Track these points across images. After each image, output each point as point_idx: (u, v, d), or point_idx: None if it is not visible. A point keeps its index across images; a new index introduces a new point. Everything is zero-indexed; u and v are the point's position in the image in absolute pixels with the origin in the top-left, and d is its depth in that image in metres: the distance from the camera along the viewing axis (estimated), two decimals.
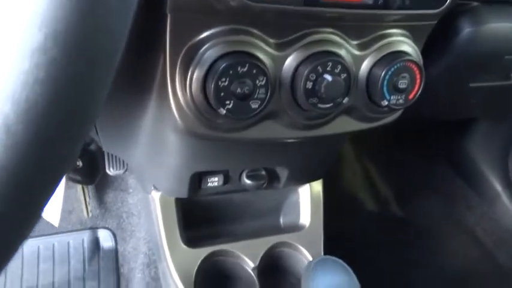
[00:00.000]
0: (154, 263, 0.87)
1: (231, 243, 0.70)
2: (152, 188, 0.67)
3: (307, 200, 0.74)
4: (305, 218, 0.74)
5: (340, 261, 0.42)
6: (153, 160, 0.60)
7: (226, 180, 0.62)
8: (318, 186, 0.74)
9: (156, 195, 0.66)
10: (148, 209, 0.71)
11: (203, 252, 0.67)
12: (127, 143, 0.63)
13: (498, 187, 1.20)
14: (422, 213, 1.26)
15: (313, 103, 0.45)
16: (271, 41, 0.43)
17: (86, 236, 1.02)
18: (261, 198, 0.76)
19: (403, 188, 1.30)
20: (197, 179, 0.60)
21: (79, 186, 1.05)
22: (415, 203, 1.28)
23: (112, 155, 0.99)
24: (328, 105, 0.45)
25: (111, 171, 1.05)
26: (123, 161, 1.05)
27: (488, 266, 1.19)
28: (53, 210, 0.36)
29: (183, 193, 0.62)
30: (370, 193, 1.28)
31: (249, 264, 0.69)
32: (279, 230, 0.76)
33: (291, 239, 0.72)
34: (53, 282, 0.94)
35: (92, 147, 0.35)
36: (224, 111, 0.41)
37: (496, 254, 1.20)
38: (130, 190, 1.09)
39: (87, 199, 0.44)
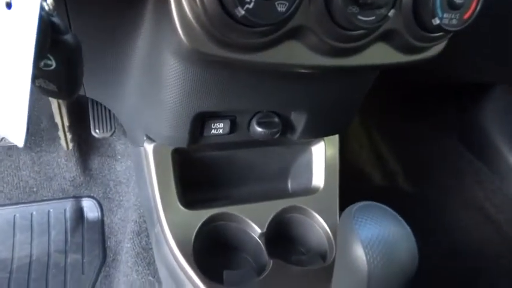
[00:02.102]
0: (145, 232, 0.77)
1: (234, 205, 0.60)
2: (145, 138, 0.57)
3: (321, 161, 0.65)
4: (318, 180, 0.65)
5: (387, 207, 0.33)
6: (147, 99, 0.50)
7: (233, 127, 0.53)
8: (334, 145, 0.65)
9: (149, 147, 0.56)
10: (139, 167, 0.62)
11: (203, 215, 0.58)
12: (116, 81, 0.53)
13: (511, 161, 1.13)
14: (430, 188, 1.19)
15: (352, 13, 0.35)
16: None
17: (68, 206, 0.92)
18: (269, 158, 0.66)
19: (411, 162, 1.22)
20: (199, 124, 0.51)
21: (61, 150, 0.95)
22: (423, 177, 1.21)
23: (97, 114, 0.89)
24: (370, 18, 0.36)
25: (97, 133, 0.95)
26: (111, 122, 0.95)
27: (499, 242, 1.12)
28: (15, 127, 0.28)
29: (183, 141, 0.52)
30: (378, 166, 1.20)
31: (256, 230, 0.60)
32: (288, 193, 0.67)
33: (302, 203, 0.63)
34: (31, 255, 0.84)
35: (69, 38, 0.25)
36: (242, 12, 0.32)
37: (508, 231, 1.13)
38: (119, 156, 0.98)
39: (64, 121, 0.34)
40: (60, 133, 0.37)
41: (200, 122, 0.50)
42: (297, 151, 0.66)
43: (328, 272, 0.55)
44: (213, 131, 0.52)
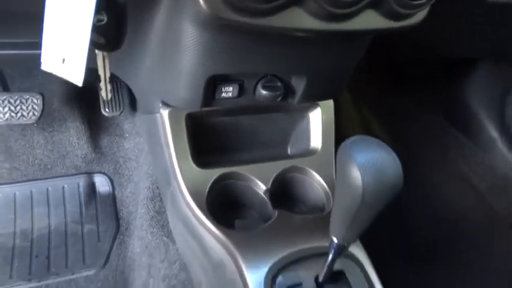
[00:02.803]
0: (158, 197, 0.84)
1: (241, 166, 0.67)
2: (160, 105, 0.63)
3: (318, 124, 0.72)
4: (316, 142, 0.72)
5: (376, 139, 0.40)
6: (166, 66, 0.57)
7: (241, 91, 0.60)
8: (329, 111, 0.72)
9: (165, 113, 0.63)
10: (155, 133, 0.68)
11: (214, 173, 0.65)
12: (134, 53, 0.59)
13: (494, 133, 1.21)
14: (417, 161, 1.26)
15: None
16: None
17: (81, 181, 0.98)
18: (271, 124, 0.73)
19: (398, 136, 1.29)
20: (212, 87, 0.57)
21: (72, 130, 1.01)
22: (410, 151, 1.28)
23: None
24: None
25: (106, 112, 1.01)
26: (119, 102, 1.01)
27: (483, 212, 1.20)
28: (76, 69, 0.34)
29: (197, 104, 0.59)
30: None
31: (261, 187, 0.67)
32: (289, 156, 0.74)
33: (302, 163, 0.70)
34: (49, 225, 0.90)
35: None
36: None
37: (491, 201, 1.21)
38: (126, 135, 1.05)
39: (107, 73, 0.39)
40: (102, 84, 0.41)
41: (212, 85, 0.57)
42: (296, 117, 0.73)
43: (326, 219, 0.63)
44: (223, 94, 0.59)
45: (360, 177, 0.38)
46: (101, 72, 0.42)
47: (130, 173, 1.00)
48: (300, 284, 0.53)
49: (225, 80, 0.58)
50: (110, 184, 0.99)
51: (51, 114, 1.01)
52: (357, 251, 0.58)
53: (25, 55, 0.61)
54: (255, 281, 0.53)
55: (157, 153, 0.71)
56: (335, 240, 0.46)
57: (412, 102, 1.29)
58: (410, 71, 1.25)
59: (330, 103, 0.72)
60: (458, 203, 1.22)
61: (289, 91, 0.62)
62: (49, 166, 0.98)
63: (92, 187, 0.98)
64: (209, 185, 0.64)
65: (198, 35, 0.50)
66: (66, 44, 0.35)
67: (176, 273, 0.76)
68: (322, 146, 0.72)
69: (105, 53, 0.41)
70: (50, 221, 0.91)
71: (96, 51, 0.40)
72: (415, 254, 1.03)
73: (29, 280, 0.81)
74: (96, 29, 0.34)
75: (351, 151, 0.39)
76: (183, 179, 0.63)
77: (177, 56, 0.53)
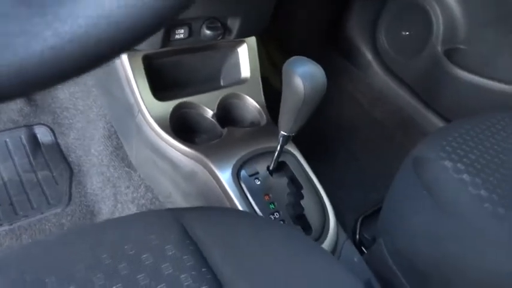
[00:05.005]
0: (114, 134, 0.94)
1: (191, 96, 0.82)
2: None
3: (245, 58, 0.89)
4: (246, 72, 0.90)
5: (308, 58, 0.59)
6: None
7: (190, 33, 0.73)
8: (253, 46, 0.89)
9: (124, 56, 0.74)
10: (113, 75, 0.78)
11: (171, 104, 0.79)
12: None
13: (369, 56, 1.50)
14: None
15: None
16: None
17: (22, 134, 1.02)
18: (209, 61, 0.88)
19: None
20: (167, 31, 0.70)
21: None
22: None
23: None
24: None
25: None
26: None
27: (365, 119, 1.52)
28: None
29: (157, 45, 0.71)
30: (273, 72, 1.48)
31: (208, 112, 0.83)
32: (227, 85, 0.90)
33: (237, 90, 0.88)
34: (2, 177, 0.95)
35: None
36: None
37: (370, 110, 1.53)
38: (59, 86, 1.09)
39: None
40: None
41: (167, 29, 0.70)
42: (227, 54, 0.89)
43: (263, 130, 0.82)
44: (177, 36, 0.72)
45: (301, 84, 0.57)
46: None
47: (71, 121, 1.06)
48: (258, 173, 0.72)
49: (177, 24, 0.71)
50: (51, 134, 1.05)
51: None
52: (293, 148, 0.79)
53: None
54: (225, 177, 0.71)
55: (115, 93, 0.82)
56: (283, 132, 0.65)
57: (311, 40, 1.52)
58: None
59: (253, 39, 0.89)
60: (347, 113, 1.53)
61: (227, 30, 0.77)
62: None
63: (34, 138, 1.03)
64: (169, 113, 0.78)
65: None
66: None
67: (143, 194, 0.90)
68: (250, 75, 0.89)
69: None
70: (2, 174, 0.96)
71: None
72: (319, 149, 1.32)
73: (1, 225, 0.88)
74: None
75: (294, 67, 0.57)
76: (148, 111, 0.76)
77: None
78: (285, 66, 0.59)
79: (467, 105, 1.28)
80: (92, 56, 0.23)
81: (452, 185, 0.68)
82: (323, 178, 0.82)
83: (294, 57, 0.59)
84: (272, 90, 1.47)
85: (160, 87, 0.80)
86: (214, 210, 0.58)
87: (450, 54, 1.30)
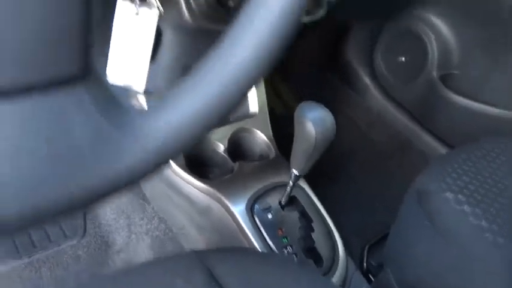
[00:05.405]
0: None
1: None
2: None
3: (253, 93, 0.94)
4: (254, 107, 0.94)
5: (317, 103, 0.63)
6: None
7: None
8: (260, 83, 0.94)
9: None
10: None
11: None
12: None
13: (367, 80, 1.56)
14: None
15: None
16: None
17: None
18: None
19: (303, 97, 1.57)
20: (184, 73, 0.74)
21: None
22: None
23: None
24: None
25: None
26: None
27: (363, 141, 1.57)
28: (138, 81, 0.47)
29: None
30: (278, 102, 1.53)
31: (220, 147, 0.87)
32: (236, 120, 0.95)
33: (246, 124, 0.92)
34: None
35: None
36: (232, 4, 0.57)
37: (368, 133, 1.58)
38: None
39: None
40: None
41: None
42: None
43: (272, 163, 0.87)
44: None
45: (313, 130, 0.61)
46: None
47: None
48: (270, 207, 0.76)
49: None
50: None
51: None
52: (302, 181, 0.83)
53: None
54: (239, 212, 0.75)
55: None
56: (295, 172, 0.69)
57: (311, 64, 1.57)
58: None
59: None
60: (345, 136, 1.58)
61: None
62: None
63: None
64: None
65: (176, 35, 0.66)
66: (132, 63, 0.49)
67: (156, 225, 0.93)
68: (259, 110, 0.94)
69: None
70: None
71: None
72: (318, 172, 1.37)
73: (20, 258, 0.91)
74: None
75: (305, 113, 0.62)
76: None
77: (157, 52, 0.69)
78: (297, 112, 0.63)
79: (463, 129, 1.33)
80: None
81: (454, 216, 0.72)
82: (323, 202, 0.85)
83: (305, 102, 0.64)
84: (274, 117, 1.52)
85: None
86: (237, 251, 0.61)
87: (445, 79, 1.35)
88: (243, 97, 0.27)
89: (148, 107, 0.25)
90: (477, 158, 0.84)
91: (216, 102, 0.26)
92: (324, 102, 1.57)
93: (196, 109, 0.25)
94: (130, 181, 0.25)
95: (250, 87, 0.27)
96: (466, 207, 0.73)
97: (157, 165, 0.26)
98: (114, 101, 0.24)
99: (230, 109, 0.26)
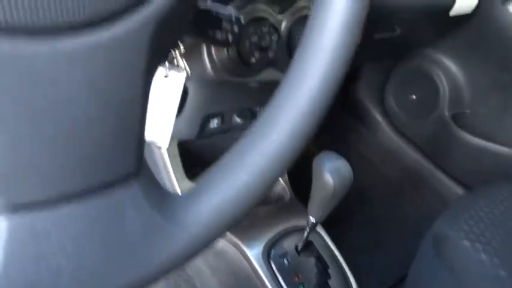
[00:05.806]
0: None
1: None
2: None
3: None
4: None
5: (335, 153, 0.65)
6: None
7: (223, 121, 0.80)
8: None
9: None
10: (149, 156, 0.84)
11: None
12: None
13: (378, 117, 1.57)
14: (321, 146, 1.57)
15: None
16: None
17: None
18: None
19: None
20: (203, 122, 0.76)
21: None
22: (321, 142, 1.58)
23: None
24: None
25: None
26: None
27: (376, 177, 1.57)
28: (163, 137, 0.49)
29: (193, 135, 0.77)
30: None
31: None
32: None
33: None
34: None
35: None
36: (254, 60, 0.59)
37: (380, 169, 1.59)
38: None
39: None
40: None
41: (203, 120, 0.76)
42: None
43: (288, 206, 0.87)
44: (211, 125, 0.78)
45: (331, 180, 0.62)
46: None
47: None
48: (286, 252, 0.76)
49: (212, 115, 0.77)
50: None
51: None
52: (319, 228, 0.84)
53: None
54: (256, 257, 0.75)
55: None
56: (312, 219, 0.70)
57: None
58: None
59: None
60: (357, 171, 1.57)
61: (255, 117, 0.84)
62: None
63: None
64: None
65: (198, 87, 0.68)
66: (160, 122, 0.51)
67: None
68: None
69: None
70: None
71: None
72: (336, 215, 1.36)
73: None
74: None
75: (324, 163, 0.63)
76: (180, 191, 0.82)
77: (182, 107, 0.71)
78: (316, 162, 0.64)
79: (475, 168, 1.33)
80: None
81: (473, 265, 0.72)
82: (339, 245, 0.85)
83: (323, 152, 0.65)
84: None
85: (192, 166, 0.85)
86: None
87: (457, 118, 1.36)
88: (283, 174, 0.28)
89: (193, 191, 0.26)
90: (495, 204, 0.83)
91: (255, 187, 0.27)
92: (338, 140, 1.59)
93: (237, 191, 0.26)
94: (176, 266, 0.25)
95: (293, 161, 0.28)
96: (483, 256, 0.73)
97: (201, 248, 0.27)
98: (162, 191, 0.25)
99: (268, 189, 0.27)
